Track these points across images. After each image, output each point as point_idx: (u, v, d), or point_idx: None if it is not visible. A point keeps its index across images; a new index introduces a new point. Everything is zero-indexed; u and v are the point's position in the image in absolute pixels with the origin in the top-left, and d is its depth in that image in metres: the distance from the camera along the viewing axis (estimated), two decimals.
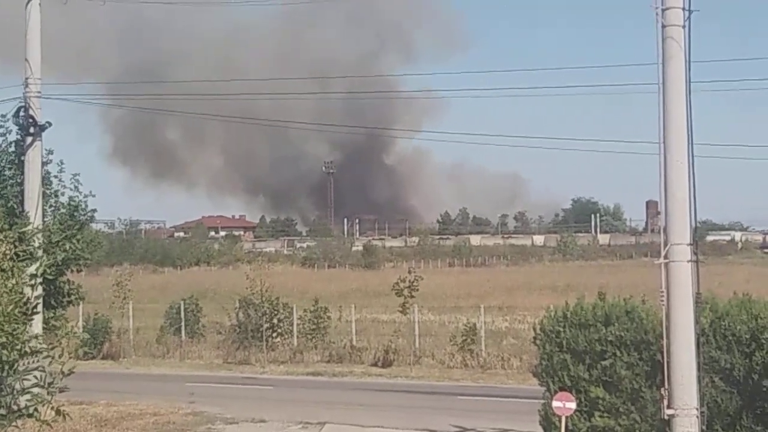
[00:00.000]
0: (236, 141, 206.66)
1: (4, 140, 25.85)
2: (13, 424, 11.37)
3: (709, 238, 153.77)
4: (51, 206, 25.96)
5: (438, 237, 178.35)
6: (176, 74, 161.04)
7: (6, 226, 17.13)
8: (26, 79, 24.39)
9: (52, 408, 10.63)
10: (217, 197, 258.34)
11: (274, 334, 41.66)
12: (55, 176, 26.21)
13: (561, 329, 19.01)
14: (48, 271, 22.23)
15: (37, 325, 20.50)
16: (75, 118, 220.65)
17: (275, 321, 41.67)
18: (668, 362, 15.25)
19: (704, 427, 15.46)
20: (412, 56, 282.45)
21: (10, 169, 25.56)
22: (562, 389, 18.37)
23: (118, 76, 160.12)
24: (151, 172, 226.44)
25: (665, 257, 15.17)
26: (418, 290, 39.01)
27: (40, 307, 17.20)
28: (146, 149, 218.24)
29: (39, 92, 24.41)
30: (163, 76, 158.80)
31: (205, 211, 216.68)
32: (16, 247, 13.73)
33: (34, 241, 19.51)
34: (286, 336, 42.22)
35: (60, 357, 11.51)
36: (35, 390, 11.01)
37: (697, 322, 15.30)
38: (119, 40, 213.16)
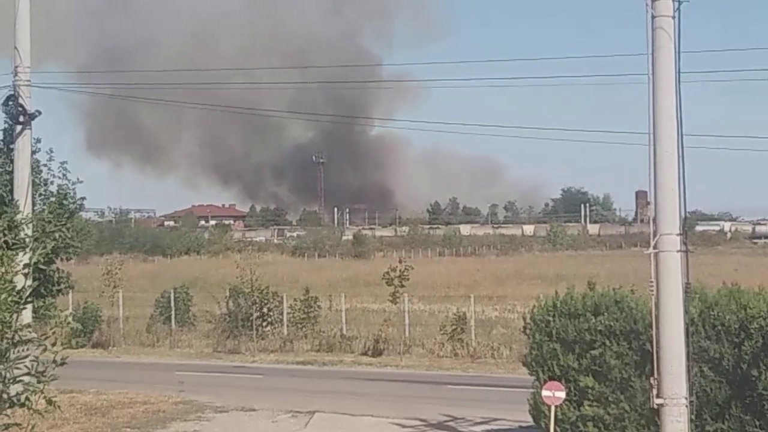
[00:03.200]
0: (210, 127, 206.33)
1: None
2: (4, 413, 11.37)
3: (699, 228, 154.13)
4: (41, 195, 25.94)
5: (428, 227, 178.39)
6: (149, 59, 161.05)
7: None
8: (15, 67, 24.33)
9: (44, 397, 10.61)
10: (195, 184, 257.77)
11: (264, 323, 41.64)
12: (44, 165, 26.21)
13: (551, 319, 19.06)
14: (40, 259, 22.24)
15: (27, 314, 20.53)
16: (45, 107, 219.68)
17: (265, 310, 41.64)
18: (657, 352, 15.30)
19: (693, 417, 15.52)
20: (393, 40, 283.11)
21: None
22: (551, 378, 18.42)
23: (86, 62, 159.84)
24: (129, 161, 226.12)
25: (655, 247, 15.22)
26: (408, 280, 39.03)
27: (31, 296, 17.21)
28: (121, 138, 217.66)
29: (29, 80, 24.36)
30: (134, 61, 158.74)
31: (195, 200, 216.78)
32: (5, 235, 13.72)
33: (24, 229, 19.46)
34: (276, 325, 42.21)
35: (53, 346, 11.49)
36: (26, 379, 11.00)
37: (686, 311, 15.35)
38: (87, 24, 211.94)
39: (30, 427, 10.95)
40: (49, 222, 24.63)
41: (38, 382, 10.54)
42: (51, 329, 12.61)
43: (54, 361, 10.63)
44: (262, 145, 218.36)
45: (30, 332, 11.93)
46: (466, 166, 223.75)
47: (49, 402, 10.38)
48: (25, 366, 11.02)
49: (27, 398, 10.54)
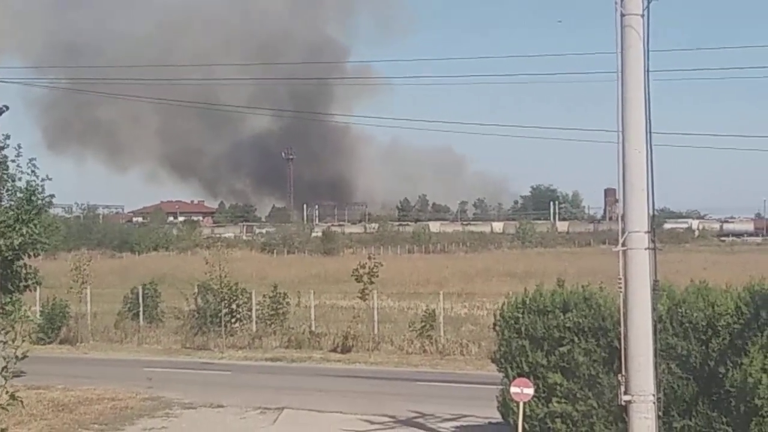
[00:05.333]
0: (170, 122, 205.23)
1: None
2: None
3: (667, 225, 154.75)
4: (8, 191, 25.75)
5: (397, 223, 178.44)
6: (110, 53, 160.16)
7: None
8: None
9: (7, 392, 10.55)
10: (158, 179, 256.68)
11: (233, 320, 41.52)
12: (12, 161, 26.00)
13: (520, 315, 19.12)
14: (5, 253, 22.12)
15: None
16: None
17: (234, 306, 41.51)
18: (625, 349, 15.37)
19: (661, 413, 15.59)
20: (359, 35, 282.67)
21: None
22: (520, 375, 18.49)
23: (44, 56, 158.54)
24: (90, 156, 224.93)
25: (623, 245, 15.27)
26: (377, 276, 39.02)
27: None
28: (82, 132, 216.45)
29: None
30: (96, 55, 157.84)
31: (163, 196, 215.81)
32: None
33: None
34: (245, 321, 42.11)
35: (13, 341, 11.39)
36: None
37: (654, 309, 15.42)
38: (45, 16, 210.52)
39: None
40: (13, 216, 24.41)
41: (3, 377, 10.46)
42: (11, 324, 12.49)
43: (15, 357, 10.56)
44: (223, 139, 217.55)
45: None
46: (428, 160, 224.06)
47: (12, 397, 10.30)
48: None
49: None
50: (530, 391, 17.98)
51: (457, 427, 22.13)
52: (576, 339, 18.24)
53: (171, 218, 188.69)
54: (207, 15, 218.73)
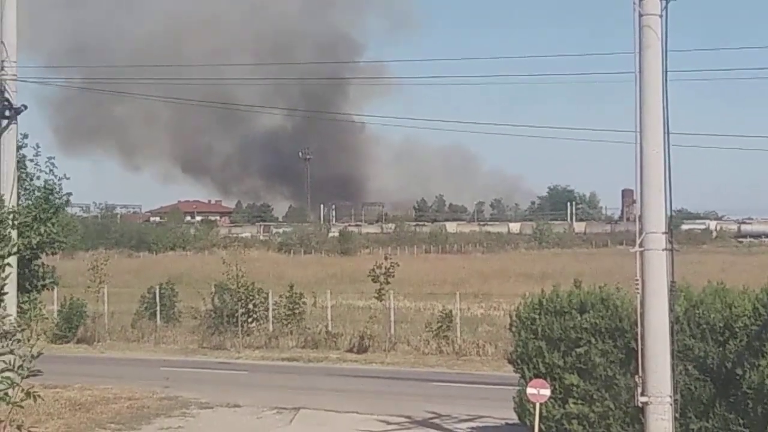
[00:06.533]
0: (184, 121, 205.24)
1: None
2: None
3: (684, 227, 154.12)
4: (26, 190, 25.82)
5: (414, 224, 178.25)
6: (121, 52, 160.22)
7: None
8: (2, 61, 24.16)
9: (22, 390, 10.56)
10: (172, 179, 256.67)
11: (250, 320, 41.59)
12: (31, 160, 26.08)
13: (536, 316, 19.09)
14: (22, 252, 22.15)
15: (11, 308, 20.45)
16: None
17: (251, 306, 41.57)
18: (642, 350, 15.33)
19: (677, 415, 15.56)
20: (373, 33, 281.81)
21: None
22: (536, 376, 18.45)
23: (56, 55, 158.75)
24: (103, 155, 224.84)
25: (640, 245, 15.24)
26: (393, 276, 39.01)
27: (8, 289, 17.10)
28: (95, 132, 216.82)
29: (15, 75, 24.20)
30: (109, 54, 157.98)
31: (180, 196, 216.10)
32: None
33: (8, 224, 19.41)
34: (262, 321, 42.15)
35: (29, 340, 11.42)
36: (5, 374, 10.93)
37: (671, 310, 15.38)
38: (57, 15, 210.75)
39: (9, 421, 10.89)
40: (33, 215, 24.46)
41: (17, 375, 10.46)
42: (27, 323, 12.52)
43: (31, 355, 10.57)
44: (235, 137, 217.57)
45: (12, 324, 11.85)
46: (440, 159, 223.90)
47: (28, 395, 10.31)
48: (3, 361, 10.92)
49: (6, 393, 10.46)
50: (547, 392, 17.95)
51: (473, 428, 22.11)
52: (593, 340, 18.20)
53: (188, 218, 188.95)
54: (219, 12, 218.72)
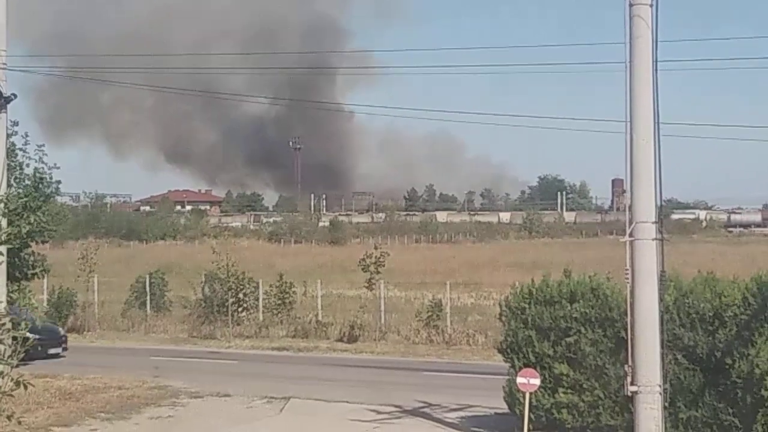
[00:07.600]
0: (168, 109, 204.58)
1: None
2: None
3: (674, 216, 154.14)
4: (16, 178, 25.74)
5: (404, 213, 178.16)
6: (105, 39, 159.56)
7: None
8: None
9: (12, 380, 10.56)
10: (157, 167, 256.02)
11: (240, 309, 41.58)
12: (20, 148, 25.98)
13: (526, 306, 19.13)
14: (12, 241, 22.08)
15: (0, 296, 20.42)
16: None
17: (241, 296, 41.56)
18: (632, 339, 15.37)
19: (667, 404, 15.60)
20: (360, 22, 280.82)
21: None
22: (526, 365, 18.49)
23: (40, 43, 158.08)
24: (87, 144, 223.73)
25: (630, 235, 15.27)
26: (384, 266, 39.06)
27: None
28: (81, 120, 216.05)
29: (4, 64, 24.10)
30: (90, 42, 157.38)
31: (171, 185, 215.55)
32: None
33: None
34: (252, 311, 42.15)
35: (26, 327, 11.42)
36: None
37: (661, 299, 15.42)
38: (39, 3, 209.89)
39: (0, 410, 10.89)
40: (22, 203, 24.39)
41: (6, 365, 10.46)
42: (17, 312, 12.49)
43: (18, 344, 10.57)
44: (219, 126, 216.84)
45: (3, 314, 11.84)
46: (424, 147, 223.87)
47: (17, 383, 10.31)
48: None
49: None
50: (537, 381, 17.98)
51: (463, 417, 22.13)
52: (583, 329, 18.24)
53: (179, 207, 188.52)
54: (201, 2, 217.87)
